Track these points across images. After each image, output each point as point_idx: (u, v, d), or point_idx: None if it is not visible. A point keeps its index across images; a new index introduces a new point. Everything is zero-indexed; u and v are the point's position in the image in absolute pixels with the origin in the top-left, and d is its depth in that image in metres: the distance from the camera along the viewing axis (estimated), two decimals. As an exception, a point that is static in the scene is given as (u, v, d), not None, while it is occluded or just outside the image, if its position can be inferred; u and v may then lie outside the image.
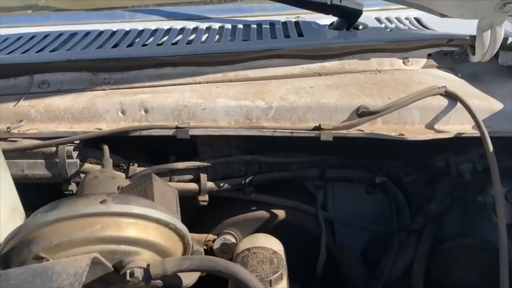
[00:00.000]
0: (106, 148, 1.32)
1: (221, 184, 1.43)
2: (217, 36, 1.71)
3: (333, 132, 1.33)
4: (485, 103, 1.42)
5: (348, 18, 1.70)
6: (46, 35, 1.78)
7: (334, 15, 1.73)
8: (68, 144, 1.27)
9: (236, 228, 1.52)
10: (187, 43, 1.67)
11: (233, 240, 1.48)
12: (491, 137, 1.27)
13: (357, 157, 1.56)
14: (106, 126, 1.34)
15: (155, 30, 1.78)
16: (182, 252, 1.09)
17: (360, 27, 1.77)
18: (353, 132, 1.36)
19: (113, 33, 1.77)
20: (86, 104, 1.38)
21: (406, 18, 1.88)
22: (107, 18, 1.96)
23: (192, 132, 1.32)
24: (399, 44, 1.57)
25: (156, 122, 1.36)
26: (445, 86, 1.39)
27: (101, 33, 1.78)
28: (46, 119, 1.36)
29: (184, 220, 1.06)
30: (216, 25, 1.82)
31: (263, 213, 1.53)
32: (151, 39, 1.70)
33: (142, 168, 1.36)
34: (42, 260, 0.91)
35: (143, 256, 0.98)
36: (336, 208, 1.78)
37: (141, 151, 1.45)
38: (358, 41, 1.60)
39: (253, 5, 2.06)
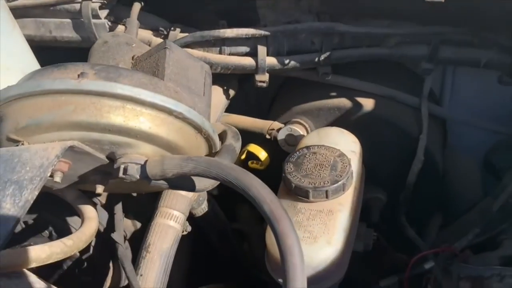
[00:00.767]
0: (136, 5, 1.05)
1: (286, 61, 1.10)
2: None
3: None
4: None
5: None
6: None
7: None
8: (93, 1, 1.03)
9: (308, 118, 1.21)
10: None
11: (301, 132, 1.18)
12: None
13: (488, 31, 1.08)
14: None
15: None
16: (207, 147, 0.83)
17: None
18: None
19: None
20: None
21: None
22: None
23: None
24: None
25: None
26: None
27: None
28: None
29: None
30: None
31: (343, 102, 1.19)
32: None
33: (184, 34, 1.07)
34: (18, 143, 0.73)
35: (141, 149, 0.74)
36: (454, 101, 1.35)
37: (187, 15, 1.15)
38: None
39: None
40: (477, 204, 1.20)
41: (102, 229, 1.14)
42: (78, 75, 0.69)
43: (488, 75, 1.19)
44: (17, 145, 0.73)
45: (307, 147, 1.00)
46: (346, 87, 1.17)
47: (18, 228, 1.09)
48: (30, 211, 1.12)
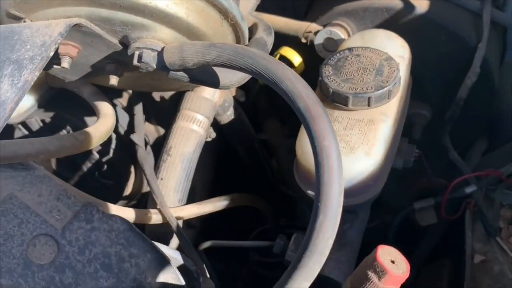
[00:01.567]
0: None
1: None
2: None
3: None
4: None
5: None
6: None
7: None
8: None
9: (351, 20, 1.07)
10: None
11: (343, 35, 1.05)
12: None
13: None
14: None
15: None
16: (234, 37, 0.72)
17: None
18: None
19: None
20: None
21: None
22: None
23: None
24: None
25: None
26: None
27: None
28: None
29: None
30: None
31: (393, 2, 1.03)
32: None
33: None
34: (20, 20, 0.64)
35: (158, 33, 0.64)
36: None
37: None
38: None
39: None
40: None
41: (122, 132, 1.08)
42: None
43: None
44: (19, 22, 0.64)
45: (349, 49, 0.87)
46: (398, -16, 1.02)
47: (36, 126, 1.04)
48: (48, 109, 1.07)
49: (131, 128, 1.05)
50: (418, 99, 1.08)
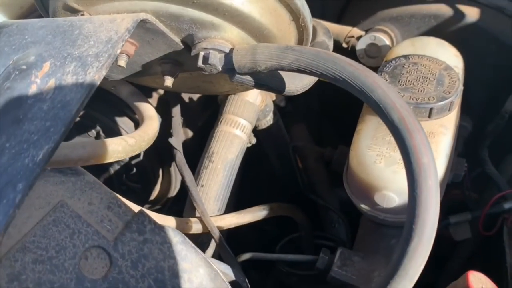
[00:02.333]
0: None
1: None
2: None
3: None
4: None
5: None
6: None
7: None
8: None
9: (395, 26, 1.03)
10: None
11: (387, 42, 1.01)
12: None
13: None
14: None
15: None
16: (297, 40, 0.68)
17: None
18: None
19: None
20: None
21: None
22: None
23: None
24: None
25: None
26: None
27: None
28: None
29: None
30: None
31: (442, 9, 1.00)
32: None
33: None
34: (77, 13, 0.59)
35: (227, 34, 0.60)
36: None
37: None
38: None
39: None
40: None
41: (155, 134, 1.03)
42: None
43: None
44: (76, 16, 0.59)
45: (405, 56, 0.83)
46: (447, -9, 0.98)
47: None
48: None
49: (163, 130, 1.00)
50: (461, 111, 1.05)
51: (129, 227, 0.61)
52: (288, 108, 1.28)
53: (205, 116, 1.17)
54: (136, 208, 0.65)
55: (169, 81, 0.66)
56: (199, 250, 0.64)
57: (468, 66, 0.91)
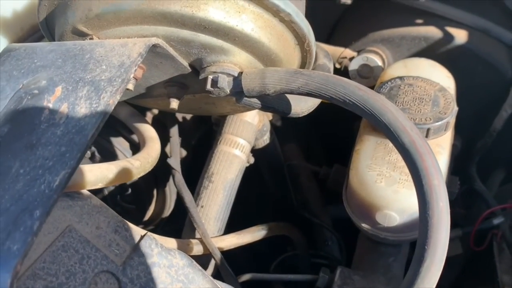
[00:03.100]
0: None
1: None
2: None
3: None
4: None
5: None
6: None
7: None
8: None
9: (386, 47, 1.06)
10: None
11: (379, 62, 1.04)
12: None
13: None
14: None
15: None
16: (300, 64, 0.69)
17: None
18: None
19: None
20: None
21: None
22: None
23: None
24: None
25: None
26: None
27: None
28: None
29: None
30: None
31: (431, 31, 1.03)
32: None
33: None
34: (86, 37, 0.59)
35: (236, 58, 0.61)
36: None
37: None
38: None
39: None
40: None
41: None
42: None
43: None
44: (84, 39, 0.59)
45: (401, 78, 0.86)
46: (435, 13, 1.01)
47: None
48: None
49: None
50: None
51: (137, 251, 0.61)
52: (280, 128, 1.29)
53: (198, 135, 1.18)
54: (142, 231, 0.65)
55: (174, 104, 0.66)
56: (206, 273, 0.64)
57: (457, 86, 0.94)
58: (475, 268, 1.14)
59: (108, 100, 0.50)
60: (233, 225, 0.93)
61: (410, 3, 0.98)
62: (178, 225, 0.90)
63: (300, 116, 0.67)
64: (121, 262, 0.59)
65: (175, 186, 0.87)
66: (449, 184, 0.92)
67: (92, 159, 0.97)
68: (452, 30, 1.02)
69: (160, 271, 0.61)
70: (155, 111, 1.04)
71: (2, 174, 0.47)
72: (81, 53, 0.56)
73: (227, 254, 1.02)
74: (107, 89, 0.51)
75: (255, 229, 0.90)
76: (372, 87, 0.87)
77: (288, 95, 0.65)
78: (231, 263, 0.95)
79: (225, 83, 0.60)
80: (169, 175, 0.97)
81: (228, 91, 0.60)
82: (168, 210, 1.11)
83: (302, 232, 1.21)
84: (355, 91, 0.54)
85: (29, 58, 0.57)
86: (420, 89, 0.83)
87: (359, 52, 1.08)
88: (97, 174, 0.61)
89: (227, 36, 0.57)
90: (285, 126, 1.30)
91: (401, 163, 0.77)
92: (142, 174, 0.69)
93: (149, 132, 0.80)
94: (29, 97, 0.52)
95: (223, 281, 0.81)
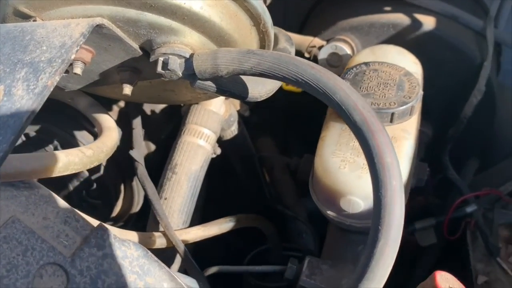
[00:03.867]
0: None
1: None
2: None
3: None
4: None
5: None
6: None
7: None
8: None
9: (355, 35, 1.05)
10: None
11: (348, 51, 1.02)
12: None
13: None
14: None
15: None
16: (258, 46, 0.67)
17: None
18: None
19: None
20: None
21: None
22: None
23: None
24: None
25: None
26: None
27: None
28: None
29: None
30: None
31: (400, 18, 1.02)
32: None
33: None
34: (29, 19, 0.57)
35: (187, 38, 0.58)
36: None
37: None
38: None
39: None
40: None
41: (114, 147, 0.99)
42: None
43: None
44: (27, 22, 0.57)
45: (366, 63, 0.84)
46: (404, 0, 1.01)
47: (19, 141, 0.94)
48: (32, 122, 0.97)
49: (124, 143, 0.97)
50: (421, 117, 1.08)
51: (88, 242, 0.58)
52: (254, 121, 1.27)
53: (169, 129, 1.15)
54: (95, 222, 0.62)
55: (127, 89, 0.64)
56: (162, 264, 0.62)
57: (427, 73, 0.93)
58: (450, 257, 1.13)
59: (47, 81, 0.48)
60: (207, 219, 0.91)
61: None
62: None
63: (259, 100, 0.65)
64: (70, 253, 0.56)
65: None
66: (418, 171, 0.91)
67: (55, 154, 0.94)
68: (420, 17, 1.02)
69: (113, 262, 0.58)
70: (121, 104, 1.01)
71: None
72: (21, 35, 0.53)
73: (198, 248, 1.00)
74: (46, 70, 0.49)
75: (222, 221, 0.88)
76: (340, 76, 0.86)
77: (245, 79, 0.63)
78: (203, 258, 0.93)
79: (177, 65, 0.57)
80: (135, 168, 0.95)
81: (180, 74, 0.58)
82: (137, 206, 1.09)
83: (277, 225, 1.19)
84: (307, 70, 0.52)
85: (-31, 40, 0.54)
86: (385, 74, 0.82)
87: (328, 41, 1.06)
88: (44, 163, 0.58)
89: (175, 14, 0.55)
90: (259, 119, 1.29)
91: (366, 148, 0.76)
92: (95, 163, 0.67)
93: (107, 122, 0.78)
94: (-38, 80, 0.49)
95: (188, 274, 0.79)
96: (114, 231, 0.72)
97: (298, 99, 1.14)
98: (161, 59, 0.58)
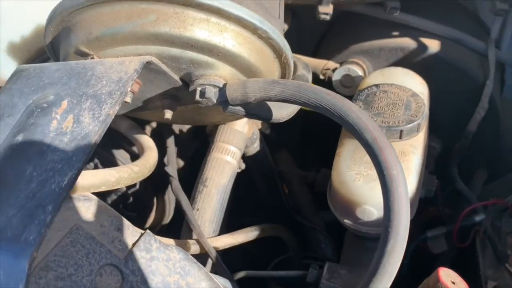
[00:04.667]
0: None
1: (356, -6, 1.02)
2: None
3: None
4: None
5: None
6: None
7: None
8: None
9: (367, 58, 1.14)
10: None
11: (360, 73, 1.12)
12: None
13: None
14: None
15: None
16: (280, 75, 0.77)
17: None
18: None
19: None
20: None
21: None
22: None
23: None
24: None
25: None
26: None
27: None
28: None
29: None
30: None
31: (407, 42, 1.11)
32: None
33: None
34: (87, 57, 0.67)
35: (220, 71, 0.68)
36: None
37: None
38: None
39: None
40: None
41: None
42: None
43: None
44: (86, 59, 0.67)
45: (376, 85, 0.93)
46: (411, 26, 1.10)
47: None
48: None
49: (158, 160, 1.07)
50: (430, 131, 1.16)
51: (138, 246, 0.68)
52: (273, 137, 1.37)
53: (195, 146, 1.25)
54: (141, 230, 0.72)
55: (168, 114, 0.74)
56: (201, 265, 0.71)
57: (433, 93, 1.02)
58: (461, 263, 1.20)
59: (109, 111, 0.58)
60: (232, 229, 1.00)
61: (386, 16, 1.06)
62: (178, 234, 0.97)
63: (281, 121, 0.75)
64: (123, 256, 0.66)
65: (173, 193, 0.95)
66: (427, 182, 0.99)
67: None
68: (426, 41, 1.11)
69: (159, 264, 0.68)
70: (154, 124, 1.12)
71: (17, 176, 0.54)
72: (84, 71, 0.63)
73: (224, 256, 1.09)
74: (108, 101, 0.59)
75: (248, 230, 0.97)
76: (353, 96, 0.95)
77: (269, 103, 0.72)
78: (228, 265, 1.01)
79: (212, 94, 0.67)
80: (168, 183, 1.04)
81: (215, 101, 0.68)
82: (168, 217, 1.18)
83: (297, 235, 1.27)
84: (324, 96, 0.61)
85: (37, 77, 0.65)
86: (394, 95, 0.90)
87: (341, 63, 1.16)
88: (100, 179, 0.68)
89: (211, 52, 0.65)
90: (278, 135, 1.38)
91: (378, 162, 0.84)
92: (140, 178, 0.76)
93: (147, 142, 0.88)
94: (39, 110, 0.59)
95: (219, 278, 0.87)
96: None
97: (313, 118, 1.23)
98: (198, 89, 0.68)
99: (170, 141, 1.02)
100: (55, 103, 0.60)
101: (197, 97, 0.68)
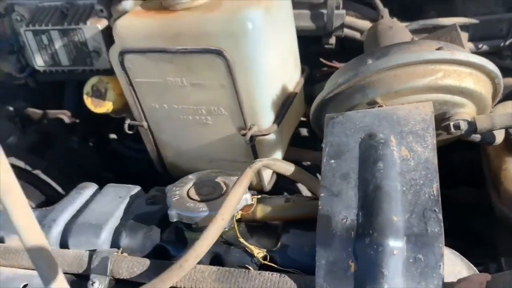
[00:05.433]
0: (378, -1, 1.25)
1: (479, 45, 1.32)
2: None
3: None
4: None
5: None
6: None
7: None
8: (339, -6, 1.21)
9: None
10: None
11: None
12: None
13: None
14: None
15: None
16: (492, 93, 1.01)
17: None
18: None
19: None
20: None
21: None
22: None
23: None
24: None
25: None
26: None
27: None
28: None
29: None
30: None
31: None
32: None
33: (404, 24, 1.28)
34: (375, 106, 0.90)
35: (468, 108, 0.94)
36: None
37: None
38: None
39: None
40: None
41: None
42: (437, 49, 0.88)
43: None
44: (374, 107, 0.90)
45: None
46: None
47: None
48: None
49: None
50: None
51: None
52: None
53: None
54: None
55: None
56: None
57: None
58: None
59: (432, 141, 0.81)
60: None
61: (503, 62, 1.36)
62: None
63: (493, 144, 1.00)
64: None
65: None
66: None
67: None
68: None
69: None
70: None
71: (394, 191, 0.76)
72: (388, 116, 0.86)
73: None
74: (426, 134, 0.82)
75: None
76: None
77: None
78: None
79: (464, 126, 0.92)
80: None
81: (463, 131, 0.93)
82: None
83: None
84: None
85: (350, 122, 0.87)
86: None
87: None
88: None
89: (471, 96, 0.91)
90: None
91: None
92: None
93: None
94: (381, 146, 0.81)
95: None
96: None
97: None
98: (452, 123, 0.92)
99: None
100: (386, 139, 0.82)
101: (452, 129, 0.92)
